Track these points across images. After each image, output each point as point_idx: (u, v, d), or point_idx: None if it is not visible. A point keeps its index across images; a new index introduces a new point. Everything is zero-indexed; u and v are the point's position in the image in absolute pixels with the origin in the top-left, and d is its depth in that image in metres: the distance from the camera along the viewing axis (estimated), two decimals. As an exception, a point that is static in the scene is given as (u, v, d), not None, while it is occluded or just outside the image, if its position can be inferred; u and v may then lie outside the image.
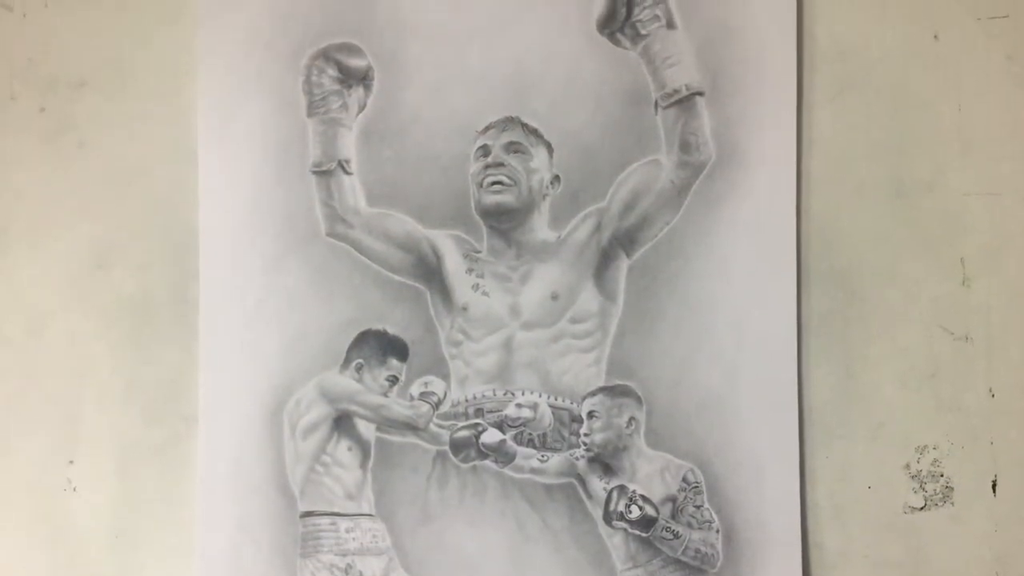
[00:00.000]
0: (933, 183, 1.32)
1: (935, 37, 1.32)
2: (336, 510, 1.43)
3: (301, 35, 1.47)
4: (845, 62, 1.34)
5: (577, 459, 1.39)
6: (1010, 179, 1.31)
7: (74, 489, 1.50)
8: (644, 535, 1.36)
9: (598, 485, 1.38)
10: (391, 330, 1.43)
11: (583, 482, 1.38)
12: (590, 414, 1.39)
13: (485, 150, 1.42)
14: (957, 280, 1.31)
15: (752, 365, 1.34)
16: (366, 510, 1.43)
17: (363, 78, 1.45)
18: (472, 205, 1.43)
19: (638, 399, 1.38)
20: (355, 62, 1.45)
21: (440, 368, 1.43)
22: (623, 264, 1.39)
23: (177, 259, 1.49)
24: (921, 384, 1.31)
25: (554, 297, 1.41)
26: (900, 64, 1.33)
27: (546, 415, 1.39)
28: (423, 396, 1.42)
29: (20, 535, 1.50)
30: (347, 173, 1.45)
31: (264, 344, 1.46)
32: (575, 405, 1.39)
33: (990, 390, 1.30)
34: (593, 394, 1.39)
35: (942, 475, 1.30)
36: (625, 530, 1.37)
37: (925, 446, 1.31)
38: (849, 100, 1.34)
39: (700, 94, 1.37)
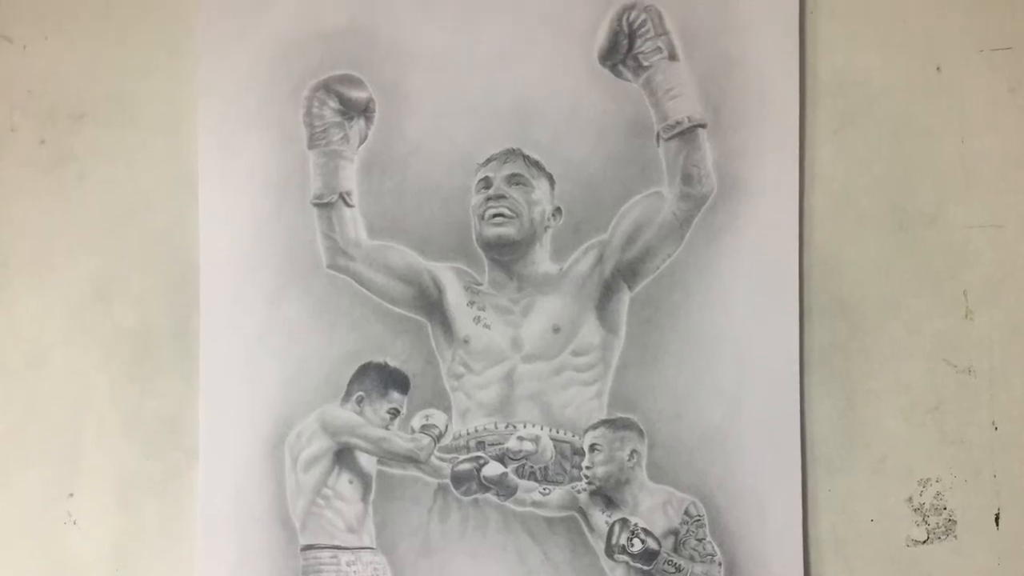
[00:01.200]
0: (936, 215, 1.35)
1: (938, 69, 1.35)
2: (337, 543, 1.44)
3: (302, 67, 1.49)
4: (847, 94, 1.37)
5: (579, 492, 1.40)
6: (1013, 211, 1.33)
7: (74, 522, 1.53)
8: (646, 568, 1.37)
9: (600, 518, 1.39)
10: (392, 363, 1.45)
11: (585, 515, 1.40)
12: (592, 447, 1.40)
13: (487, 182, 1.44)
14: (960, 313, 1.33)
15: (754, 398, 1.36)
16: (367, 543, 1.44)
17: (364, 110, 1.47)
18: (473, 237, 1.44)
19: (640, 432, 1.38)
20: (356, 94, 1.47)
21: (441, 401, 1.44)
22: (625, 296, 1.40)
23: (178, 291, 1.51)
24: (924, 417, 1.34)
25: (556, 330, 1.42)
26: (903, 96, 1.36)
27: (548, 448, 1.40)
28: (424, 429, 1.43)
29: (20, 568, 1.53)
30: (348, 205, 1.47)
31: (265, 377, 1.48)
32: (577, 438, 1.40)
33: (993, 423, 1.32)
34: (595, 427, 1.40)
35: (945, 508, 1.33)
36: (627, 563, 1.38)
37: (928, 479, 1.33)
38: (851, 132, 1.37)
39: (702, 126, 1.38)
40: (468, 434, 1.44)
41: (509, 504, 1.42)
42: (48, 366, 1.55)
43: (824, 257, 1.37)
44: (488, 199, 1.44)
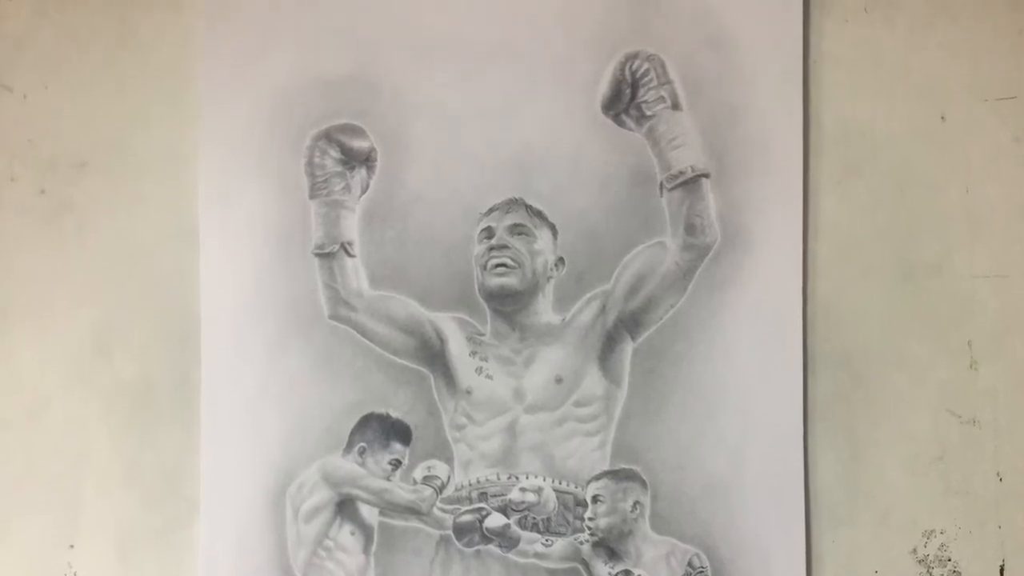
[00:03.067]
0: (940, 265, 1.40)
1: (942, 118, 1.41)
2: (339, 595, 1.46)
3: (303, 116, 1.52)
4: (851, 144, 1.41)
5: (582, 544, 1.44)
6: (1018, 261, 1.38)
7: (75, 574, 1.55)
8: (650, 620, 1.41)
9: (603, 570, 1.43)
10: (394, 414, 1.48)
11: (588, 567, 1.44)
12: (595, 498, 1.43)
13: (489, 232, 1.47)
14: (964, 363, 1.39)
15: (758, 449, 1.40)
16: (369, 595, 1.46)
17: (366, 159, 1.50)
18: (475, 287, 1.47)
19: (643, 483, 1.42)
20: (358, 143, 1.50)
21: (443, 452, 1.47)
22: (628, 347, 1.44)
23: (178, 342, 1.53)
24: (928, 468, 1.38)
25: (558, 380, 1.45)
26: (907, 146, 1.41)
27: (550, 499, 1.44)
28: (426, 480, 1.46)
29: (22, 620, 1.55)
30: (350, 255, 1.49)
31: (266, 427, 1.50)
32: (580, 489, 1.44)
33: (998, 474, 1.37)
34: (598, 478, 1.43)
35: (949, 560, 1.38)
36: (631, 615, 1.42)
37: (932, 531, 1.38)
38: (856, 182, 1.41)
39: (706, 176, 1.42)
40: (470, 485, 1.46)
41: (512, 556, 1.45)
42: (48, 417, 1.57)
43: (828, 307, 1.41)
44: (490, 249, 1.46)
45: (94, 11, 1.58)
